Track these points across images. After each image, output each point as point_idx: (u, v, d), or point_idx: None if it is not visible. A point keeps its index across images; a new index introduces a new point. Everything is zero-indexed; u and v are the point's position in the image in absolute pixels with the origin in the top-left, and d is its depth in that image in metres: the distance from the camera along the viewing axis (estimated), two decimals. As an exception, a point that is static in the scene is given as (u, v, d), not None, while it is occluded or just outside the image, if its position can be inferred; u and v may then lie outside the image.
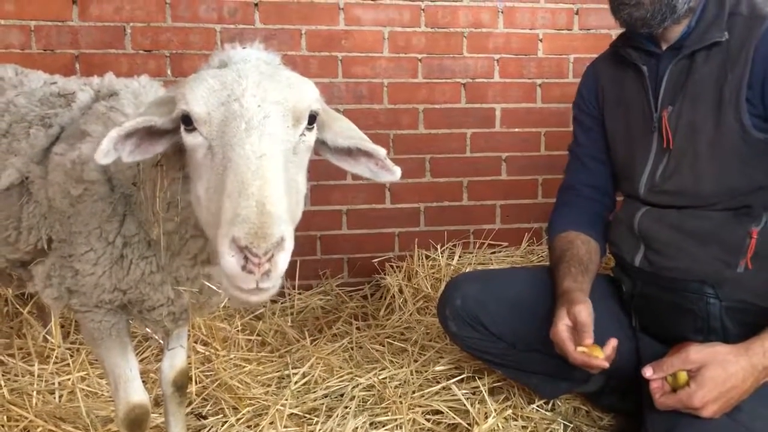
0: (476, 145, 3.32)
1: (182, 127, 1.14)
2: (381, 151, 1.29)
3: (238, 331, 2.62)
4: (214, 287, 1.48)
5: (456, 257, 3.13)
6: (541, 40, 3.31)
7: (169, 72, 2.98)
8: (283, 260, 0.99)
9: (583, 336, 1.61)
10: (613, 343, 1.60)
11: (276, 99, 1.12)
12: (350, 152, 1.31)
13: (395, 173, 1.31)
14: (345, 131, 1.30)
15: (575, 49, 3.34)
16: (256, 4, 3.02)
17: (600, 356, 1.57)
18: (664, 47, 1.76)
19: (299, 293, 3.07)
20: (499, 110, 3.32)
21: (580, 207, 1.99)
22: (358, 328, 2.73)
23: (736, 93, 1.60)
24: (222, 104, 1.10)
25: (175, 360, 1.80)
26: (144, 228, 1.43)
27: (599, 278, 2.05)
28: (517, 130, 3.35)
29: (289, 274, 3.10)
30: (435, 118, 3.26)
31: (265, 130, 1.08)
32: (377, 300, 3.06)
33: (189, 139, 1.13)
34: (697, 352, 1.49)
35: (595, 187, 2.00)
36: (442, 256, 3.12)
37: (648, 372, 1.54)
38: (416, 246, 3.18)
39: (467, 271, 2.93)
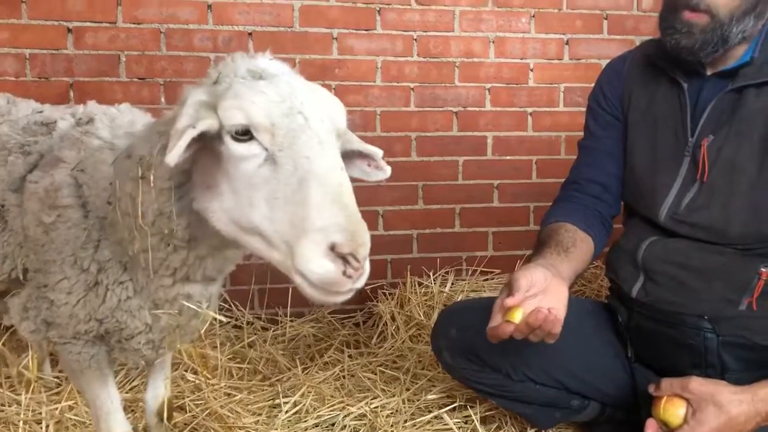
0: (468, 173, 3.33)
1: (228, 137, 1.13)
2: (378, 152, 1.35)
3: (228, 359, 2.60)
4: (194, 307, 1.45)
5: (449, 284, 3.12)
6: (531, 70, 3.35)
7: (162, 100, 3.00)
8: (368, 263, 1.07)
9: (508, 293, 1.53)
10: (541, 310, 1.50)
11: (329, 114, 1.17)
12: (345, 155, 1.32)
13: (387, 171, 1.38)
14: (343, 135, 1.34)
15: (566, 79, 3.39)
16: (250, 34, 3.06)
17: (514, 320, 1.51)
18: (708, 72, 1.68)
19: (291, 321, 3.05)
20: (490, 138, 3.34)
21: (579, 203, 1.88)
22: (350, 356, 2.71)
23: None
24: (285, 116, 1.12)
25: (159, 390, 1.77)
26: (120, 248, 1.41)
27: (595, 306, 2.03)
28: (508, 158, 3.37)
29: (281, 301, 3.08)
30: (427, 146, 3.28)
31: (332, 144, 1.14)
32: (369, 327, 3.04)
33: (240, 149, 1.12)
34: (700, 385, 1.48)
35: (602, 185, 1.88)
36: (434, 284, 3.11)
37: (651, 389, 1.55)
38: (409, 273, 3.17)
39: (461, 299, 2.92)
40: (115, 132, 1.51)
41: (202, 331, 1.58)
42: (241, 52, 1.26)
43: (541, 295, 1.54)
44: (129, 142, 1.43)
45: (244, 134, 1.12)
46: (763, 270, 1.59)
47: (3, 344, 2.06)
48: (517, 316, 1.50)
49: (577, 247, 1.76)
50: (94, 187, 1.41)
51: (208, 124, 1.13)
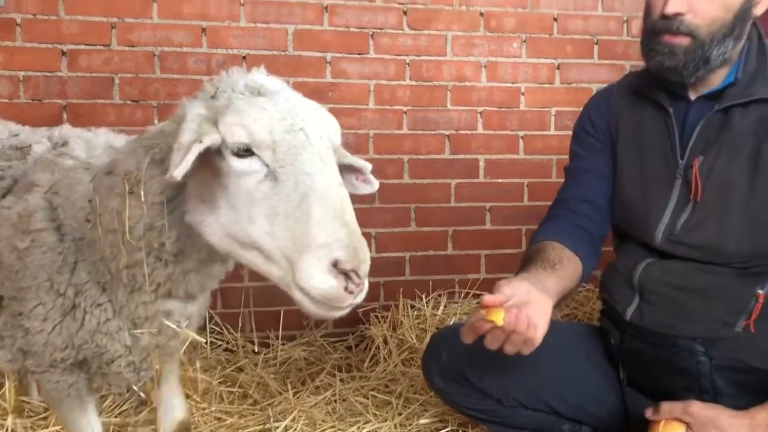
0: (460, 195, 3.35)
1: (229, 153, 1.13)
2: (368, 166, 1.38)
3: (219, 383, 2.57)
4: (173, 326, 1.42)
5: (441, 307, 3.11)
6: (523, 94, 3.38)
7: (156, 122, 3.00)
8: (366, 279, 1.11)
9: (490, 293, 1.47)
10: (512, 310, 1.44)
11: (327, 131, 1.19)
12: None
13: (375, 185, 1.41)
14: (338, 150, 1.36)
15: (557, 103, 3.42)
16: (244, 57, 3.08)
17: (495, 321, 1.43)
18: (692, 96, 1.70)
19: (282, 344, 3.03)
20: (482, 161, 3.36)
21: (568, 222, 1.86)
22: (341, 380, 2.68)
23: None
24: (287, 133, 1.13)
25: (174, 412, 1.74)
26: (99, 268, 1.38)
27: (586, 329, 2.03)
28: (500, 180, 3.38)
29: (272, 324, 3.06)
30: (420, 168, 3.30)
31: (332, 160, 1.16)
32: (361, 351, 3.02)
33: (241, 165, 1.13)
34: (700, 408, 1.49)
35: (590, 203, 1.86)
36: (427, 306, 3.10)
37: (648, 413, 1.54)
38: (401, 296, 3.16)
39: (452, 323, 2.90)
40: (91, 152, 1.50)
41: (182, 351, 1.55)
42: (237, 67, 1.26)
43: (523, 306, 1.50)
44: (108, 159, 1.42)
45: (245, 150, 1.13)
46: (761, 292, 1.59)
47: None
48: (498, 318, 1.43)
49: (564, 264, 1.73)
50: (70, 208, 1.40)
51: (213, 138, 1.12)
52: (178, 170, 1.09)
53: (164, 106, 3.01)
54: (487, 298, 1.46)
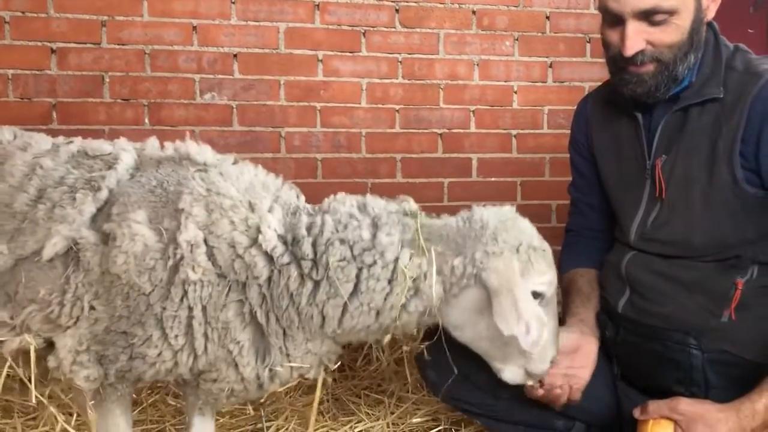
0: (453, 194, 3.34)
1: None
2: None
3: (211, 382, 2.56)
4: (327, 363, 1.60)
5: (434, 306, 3.10)
6: (515, 92, 3.38)
7: (146, 120, 2.99)
8: None
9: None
10: (554, 388, 1.70)
11: None
12: None
13: None
14: None
15: (549, 101, 3.42)
16: (235, 56, 3.06)
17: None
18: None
19: (275, 343, 3.02)
20: (475, 160, 3.36)
21: (581, 246, 2.04)
22: (334, 380, 2.68)
23: (730, 146, 1.61)
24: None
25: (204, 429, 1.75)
26: (254, 311, 1.45)
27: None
28: (493, 179, 3.38)
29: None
30: (412, 167, 3.29)
31: None
32: (354, 350, 3.01)
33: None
34: (687, 405, 1.52)
35: (593, 230, 2.04)
36: (420, 305, 3.09)
37: (636, 413, 1.59)
38: (394, 295, 3.15)
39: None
40: (249, 188, 1.52)
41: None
42: (509, 220, 1.54)
43: (572, 354, 1.72)
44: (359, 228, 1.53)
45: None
46: (739, 280, 1.64)
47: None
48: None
49: (595, 289, 1.91)
50: (229, 252, 1.43)
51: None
52: (539, 369, 1.58)
53: (155, 104, 2.99)
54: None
